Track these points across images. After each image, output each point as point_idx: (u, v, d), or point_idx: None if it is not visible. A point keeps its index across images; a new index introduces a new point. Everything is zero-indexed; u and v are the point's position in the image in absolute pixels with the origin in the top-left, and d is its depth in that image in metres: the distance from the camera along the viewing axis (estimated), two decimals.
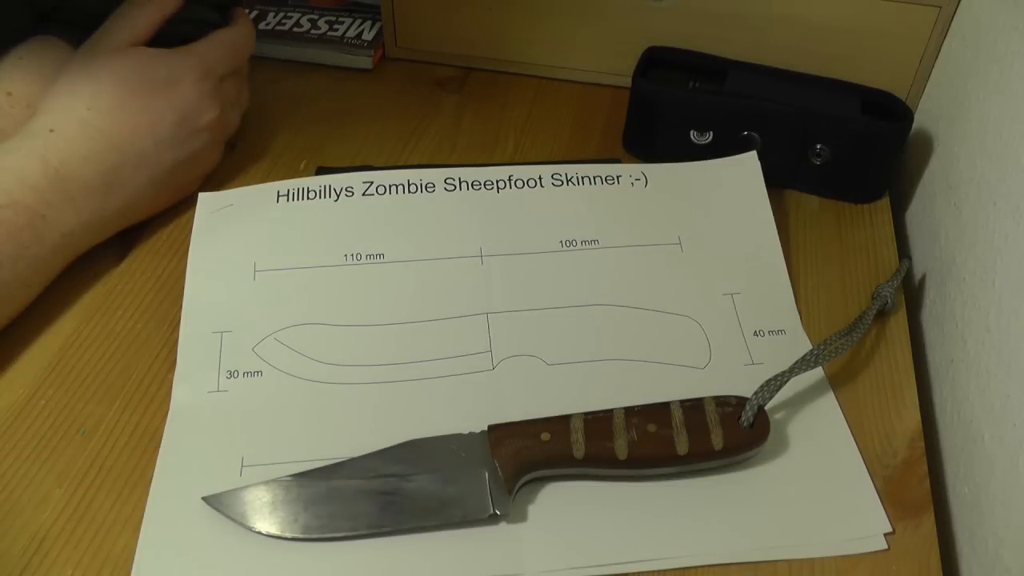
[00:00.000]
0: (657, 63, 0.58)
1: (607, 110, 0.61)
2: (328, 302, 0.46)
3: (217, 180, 0.54)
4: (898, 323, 0.47)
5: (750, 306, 0.47)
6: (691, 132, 0.55)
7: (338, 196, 0.49)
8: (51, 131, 0.45)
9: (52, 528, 0.38)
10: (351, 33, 0.66)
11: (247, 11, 0.65)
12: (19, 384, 0.43)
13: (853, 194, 0.55)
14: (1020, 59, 0.45)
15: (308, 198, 0.49)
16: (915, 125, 0.55)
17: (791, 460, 0.41)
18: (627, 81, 0.56)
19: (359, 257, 0.47)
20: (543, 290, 0.47)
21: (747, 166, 0.52)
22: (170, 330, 0.45)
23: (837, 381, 0.44)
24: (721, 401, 0.40)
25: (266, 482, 0.38)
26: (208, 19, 0.53)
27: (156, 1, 0.49)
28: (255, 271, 0.47)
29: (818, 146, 0.53)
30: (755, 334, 0.46)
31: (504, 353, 0.44)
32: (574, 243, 0.49)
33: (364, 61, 0.64)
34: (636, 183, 0.51)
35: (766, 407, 0.40)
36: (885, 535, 0.38)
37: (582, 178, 0.51)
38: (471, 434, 0.40)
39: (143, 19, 0.49)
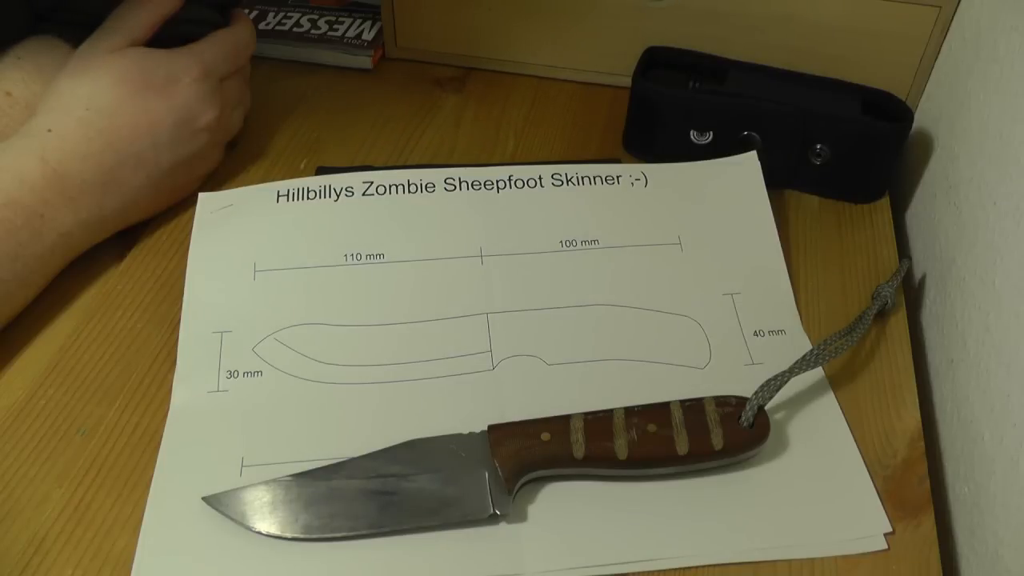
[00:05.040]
0: (657, 63, 0.57)
1: (607, 110, 0.61)
2: (328, 302, 0.46)
3: (217, 180, 0.54)
4: (898, 323, 0.47)
5: (750, 306, 0.47)
6: (691, 132, 0.55)
7: (338, 196, 0.49)
8: (49, 131, 0.45)
9: (52, 528, 0.38)
10: (351, 33, 0.66)
11: (247, 11, 0.65)
12: (19, 384, 0.43)
13: (853, 194, 0.55)
14: (1020, 59, 0.45)
15: (308, 198, 0.49)
16: (915, 125, 0.55)
17: (791, 460, 0.41)
18: (627, 81, 0.56)
19: (359, 257, 0.47)
20: (543, 290, 0.47)
21: (747, 166, 0.52)
22: (170, 330, 0.45)
23: (837, 381, 0.44)
24: (721, 401, 0.40)
25: (266, 482, 0.38)
26: (208, 19, 0.53)
27: (155, 1, 0.49)
28: (255, 271, 0.47)
29: (818, 146, 0.53)
30: (755, 334, 0.46)
31: (504, 353, 0.44)
32: (574, 243, 0.49)
33: (364, 61, 0.64)
34: (636, 183, 0.51)
35: (766, 407, 0.40)
36: (885, 535, 0.38)
37: (582, 178, 0.51)
38: (471, 434, 0.40)
39: (142, 19, 0.49)
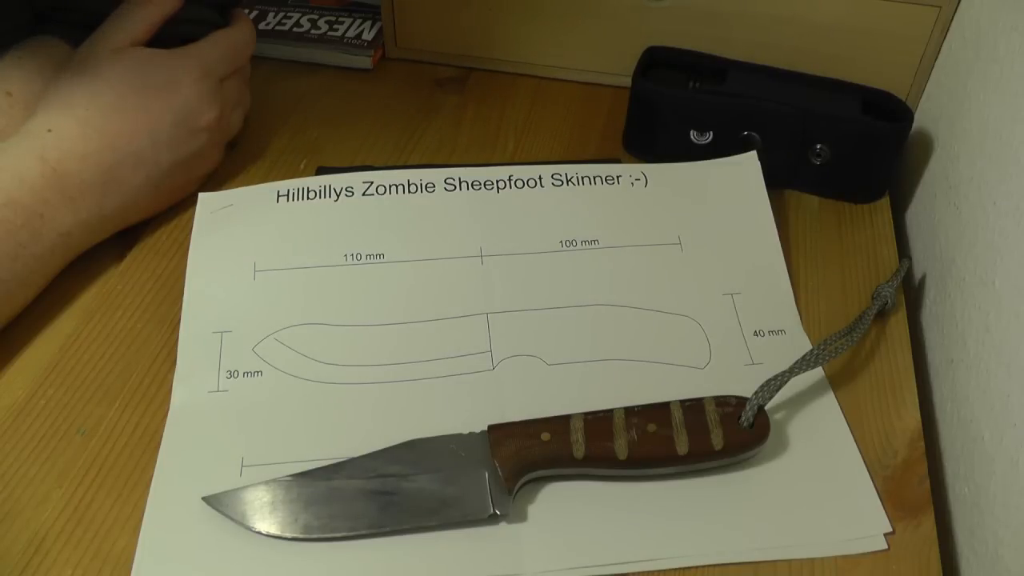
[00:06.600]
0: (657, 63, 0.58)
1: (607, 110, 0.61)
2: (328, 302, 0.46)
3: (217, 180, 0.54)
4: (898, 323, 0.47)
5: (750, 306, 0.47)
6: (691, 132, 0.55)
7: (338, 196, 0.49)
8: (49, 130, 0.45)
9: (52, 528, 0.38)
10: (351, 33, 0.66)
11: (247, 11, 0.65)
12: (19, 384, 0.43)
13: (853, 194, 0.55)
14: (1020, 59, 0.45)
15: (308, 198, 0.49)
16: (915, 125, 0.55)
17: (791, 460, 0.41)
18: (627, 81, 0.56)
19: (359, 257, 0.47)
20: (543, 290, 0.47)
21: (747, 166, 0.52)
22: (170, 330, 0.45)
23: (837, 381, 0.44)
24: (721, 401, 0.40)
25: (266, 482, 0.38)
26: (208, 19, 0.53)
27: (155, 1, 0.49)
28: (255, 271, 0.47)
29: (818, 146, 0.53)
30: (755, 334, 0.46)
31: (504, 353, 0.44)
32: (574, 243, 0.49)
33: (364, 61, 0.64)
34: (636, 183, 0.51)
35: (766, 407, 0.40)
36: (885, 535, 0.38)
37: (582, 178, 0.51)
38: (471, 434, 0.40)
39: (142, 19, 0.49)
